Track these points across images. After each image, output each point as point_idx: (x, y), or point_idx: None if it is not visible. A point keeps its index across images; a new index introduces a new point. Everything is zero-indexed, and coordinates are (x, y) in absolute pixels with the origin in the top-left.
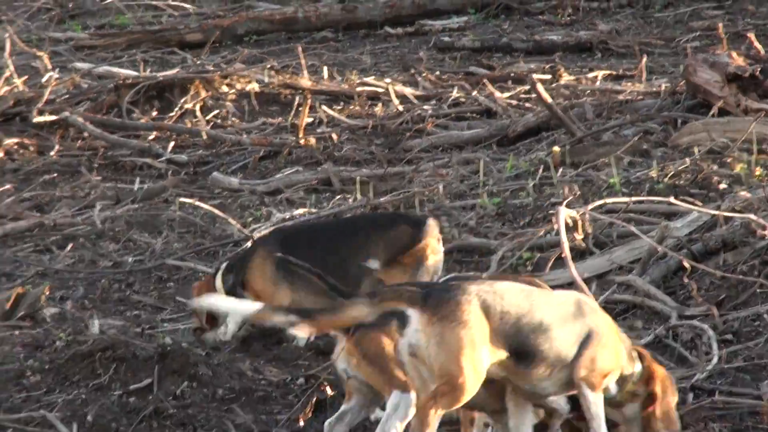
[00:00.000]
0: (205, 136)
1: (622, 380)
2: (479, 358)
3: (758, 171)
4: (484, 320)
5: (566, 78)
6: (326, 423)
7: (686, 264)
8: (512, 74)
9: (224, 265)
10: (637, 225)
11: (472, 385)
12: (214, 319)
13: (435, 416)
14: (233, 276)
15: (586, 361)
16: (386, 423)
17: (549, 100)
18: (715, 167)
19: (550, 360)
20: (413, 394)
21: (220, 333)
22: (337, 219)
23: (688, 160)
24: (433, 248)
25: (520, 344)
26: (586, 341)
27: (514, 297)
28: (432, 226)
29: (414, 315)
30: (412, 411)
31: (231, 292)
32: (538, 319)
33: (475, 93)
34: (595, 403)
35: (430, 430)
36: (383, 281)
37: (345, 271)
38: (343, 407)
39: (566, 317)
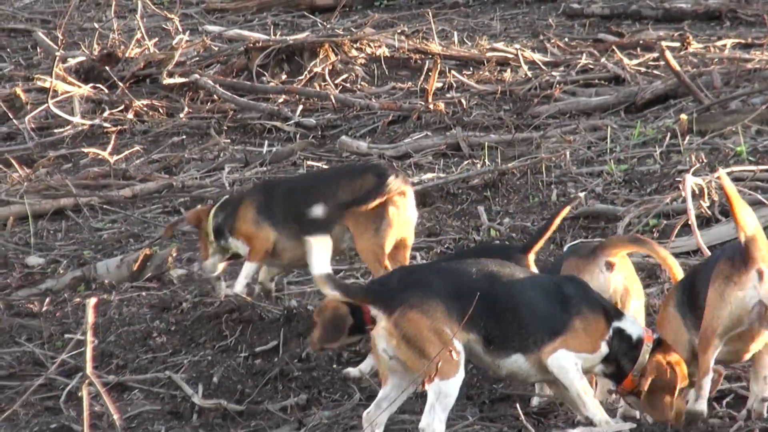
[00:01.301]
0: (333, 100)
1: None
2: None
3: None
4: None
5: (695, 46)
6: (364, 414)
7: None
8: (641, 41)
9: (221, 200)
10: (763, 193)
11: None
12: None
13: None
14: (223, 218)
15: None
16: (429, 413)
17: (677, 67)
18: None
19: None
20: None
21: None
22: (315, 171)
23: None
24: (394, 202)
25: None
26: None
27: None
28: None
29: None
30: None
31: (218, 229)
32: None
33: (603, 60)
34: None
35: None
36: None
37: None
38: (380, 394)
39: None
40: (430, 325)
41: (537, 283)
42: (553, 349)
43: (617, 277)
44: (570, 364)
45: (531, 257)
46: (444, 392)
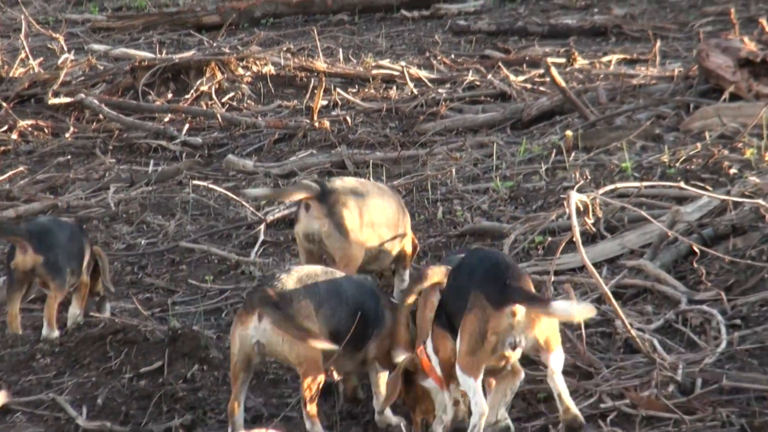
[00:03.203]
0: (220, 119)
1: None
2: None
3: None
4: None
5: (580, 62)
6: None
7: (696, 249)
8: (527, 58)
9: None
10: (648, 209)
11: None
12: None
13: None
14: None
15: None
16: None
17: (563, 84)
18: (726, 152)
19: None
20: None
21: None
22: None
23: (699, 144)
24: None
25: None
26: None
27: None
28: None
29: None
30: None
31: None
32: None
33: (490, 76)
34: None
35: None
36: None
37: None
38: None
39: None
40: None
41: None
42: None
43: None
44: None
45: None
46: None
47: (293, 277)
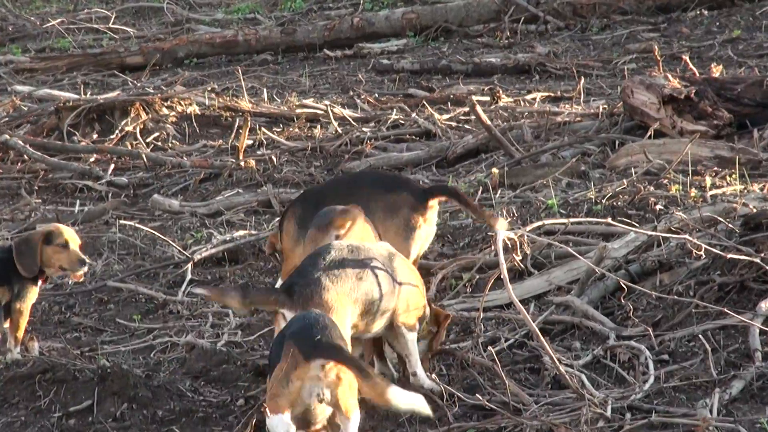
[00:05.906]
0: (145, 159)
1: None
2: None
3: (693, 192)
4: None
5: (505, 100)
6: None
7: (623, 285)
8: (451, 96)
9: None
10: (575, 246)
11: None
12: None
13: None
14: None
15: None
16: None
17: (488, 122)
18: (652, 188)
19: None
20: None
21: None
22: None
23: (625, 181)
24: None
25: None
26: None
27: None
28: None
29: None
30: None
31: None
32: None
33: (414, 115)
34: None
35: None
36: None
37: None
38: None
39: None
40: None
41: None
42: None
43: None
44: None
45: None
46: None
47: None
